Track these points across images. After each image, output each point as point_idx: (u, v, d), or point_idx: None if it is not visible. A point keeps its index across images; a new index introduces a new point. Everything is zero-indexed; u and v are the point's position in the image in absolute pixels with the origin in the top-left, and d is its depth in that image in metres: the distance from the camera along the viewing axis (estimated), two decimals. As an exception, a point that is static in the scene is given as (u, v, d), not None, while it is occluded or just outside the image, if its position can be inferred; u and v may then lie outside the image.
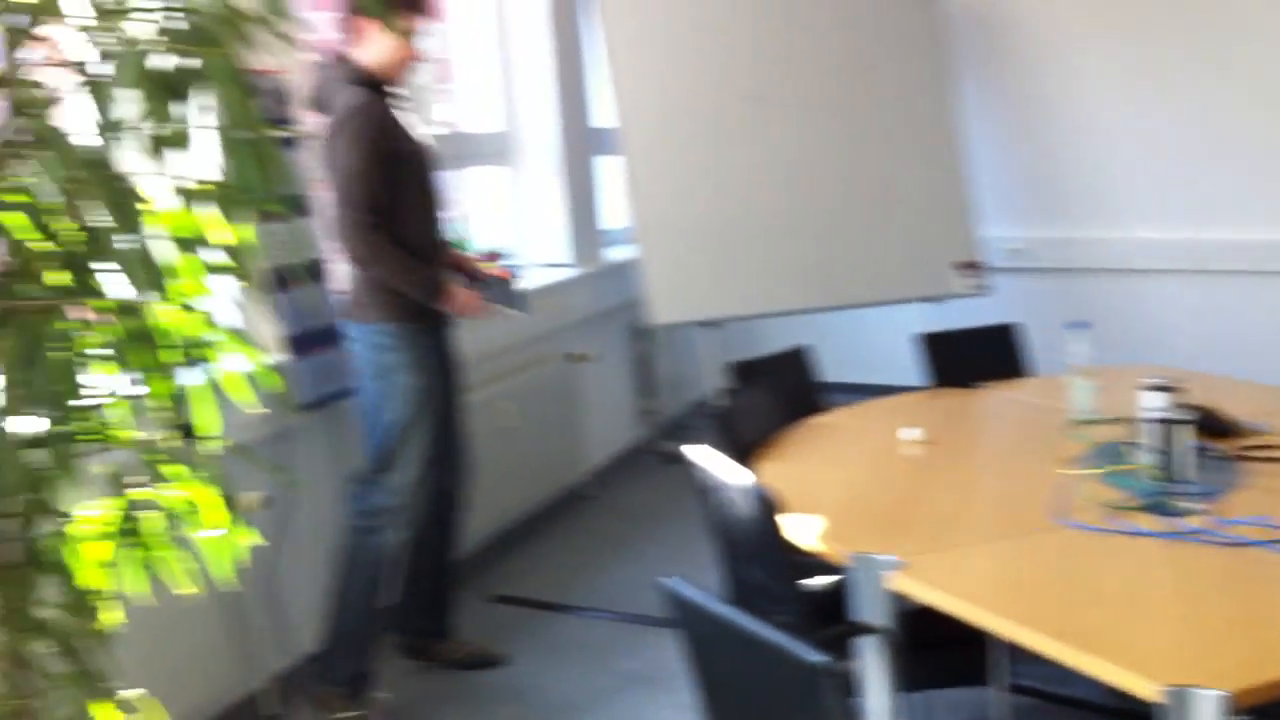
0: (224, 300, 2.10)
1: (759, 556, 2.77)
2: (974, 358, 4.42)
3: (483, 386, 4.65)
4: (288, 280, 3.69)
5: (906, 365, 4.48)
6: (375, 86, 3.56)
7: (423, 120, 4.61)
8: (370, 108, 3.52)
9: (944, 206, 6.17)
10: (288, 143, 3.71)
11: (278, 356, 3.67)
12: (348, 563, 3.66)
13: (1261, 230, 6.37)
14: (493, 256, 5.07)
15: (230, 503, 2.04)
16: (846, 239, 5.96)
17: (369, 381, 3.66)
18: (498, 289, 3.94)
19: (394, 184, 3.53)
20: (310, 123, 3.68)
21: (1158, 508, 2.78)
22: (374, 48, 3.57)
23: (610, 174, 5.91)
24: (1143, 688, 1.97)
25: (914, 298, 6.10)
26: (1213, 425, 3.36)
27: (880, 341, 6.67)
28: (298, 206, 3.75)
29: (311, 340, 3.77)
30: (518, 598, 4.47)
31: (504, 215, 5.66)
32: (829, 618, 2.61)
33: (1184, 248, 6.49)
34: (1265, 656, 2.04)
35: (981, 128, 6.60)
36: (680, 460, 3.05)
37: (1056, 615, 2.25)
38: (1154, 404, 3.19)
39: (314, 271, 3.81)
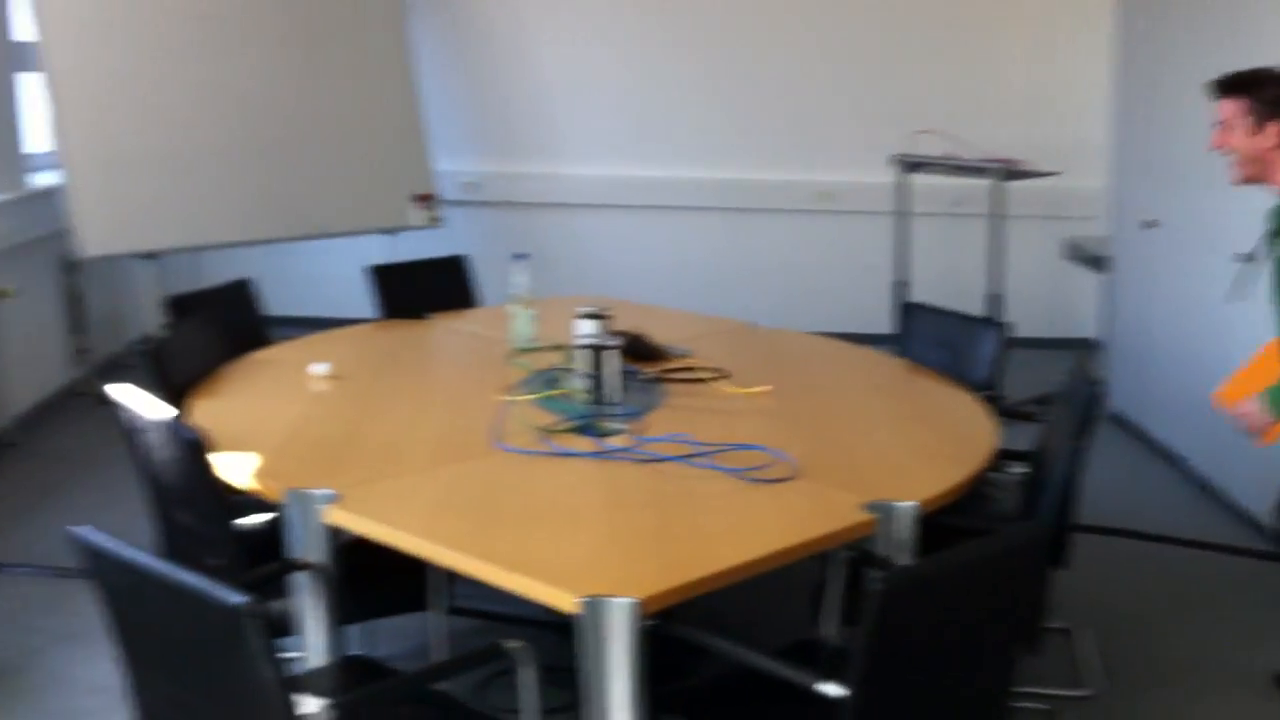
0: None
1: (187, 499, 2.63)
2: (425, 289, 4.46)
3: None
4: None
5: (360, 297, 4.43)
6: None
7: None
8: None
9: (400, 140, 6.16)
10: None
11: None
12: None
13: (688, 168, 6.86)
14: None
15: None
16: (300, 170, 5.80)
17: None
18: None
19: None
20: None
21: (587, 429, 2.91)
22: None
23: (34, 92, 5.39)
24: (562, 600, 2.06)
25: (370, 229, 6.06)
26: (640, 350, 3.57)
27: (334, 274, 6.57)
28: None
29: None
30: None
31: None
32: (267, 558, 2.52)
33: (620, 184, 6.87)
34: (672, 565, 2.19)
35: (436, 64, 6.63)
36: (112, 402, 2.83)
37: (485, 537, 2.29)
38: (586, 331, 3.34)
39: None
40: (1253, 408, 3.03)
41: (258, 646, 1.82)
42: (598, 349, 3.14)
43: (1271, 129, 3.02)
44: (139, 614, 2.02)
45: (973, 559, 2.09)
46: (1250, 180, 3.11)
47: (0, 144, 5.30)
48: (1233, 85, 3.10)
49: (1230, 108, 3.08)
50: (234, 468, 2.62)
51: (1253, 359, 3.32)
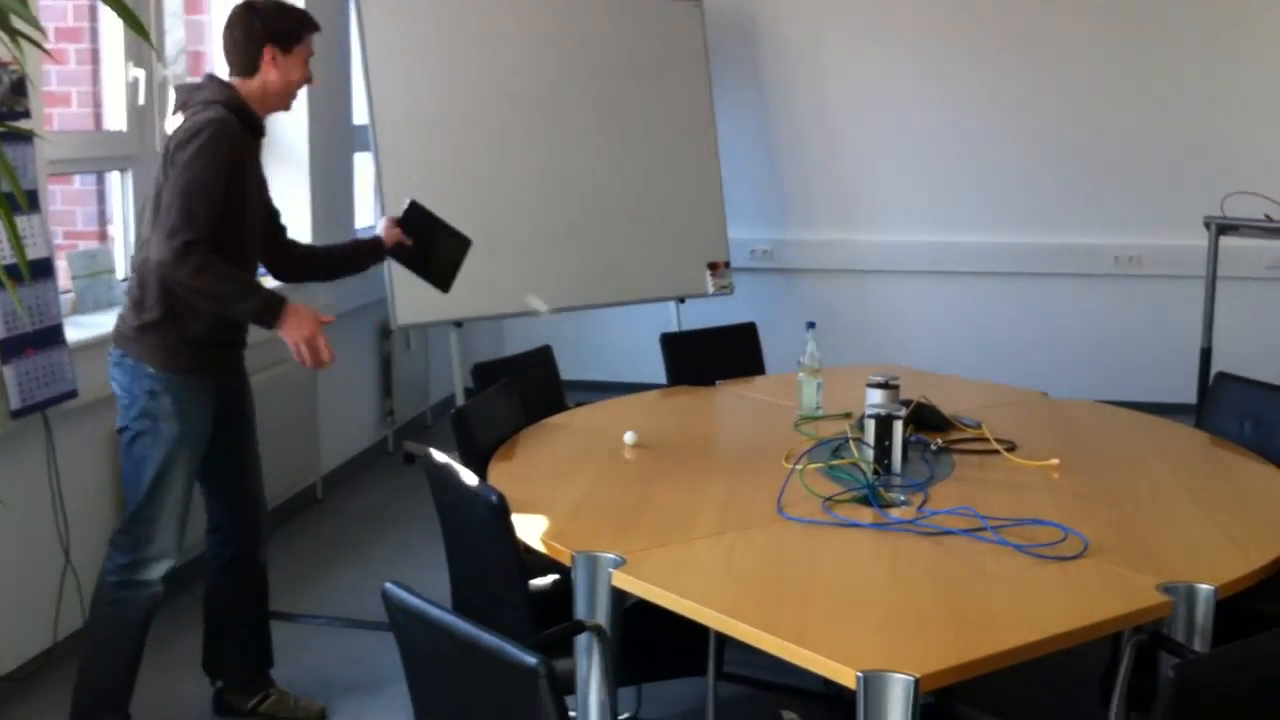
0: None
1: (485, 559, 2.78)
2: (715, 356, 4.55)
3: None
4: None
5: (651, 363, 4.57)
6: (239, 109, 3.24)
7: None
8: (227, 124, 3.17)
9: (699, 209, 6.32)
10: (12, 137, 3.52)
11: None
12: (90, 623, 3.39)
13: (983, 233, 6.76)
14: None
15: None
16: (604, 242, 6.03)
17: (127, 417, 3.27)
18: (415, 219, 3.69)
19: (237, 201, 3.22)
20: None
21: (871, 500, 2.91)
22: (271, 74, 3.29)
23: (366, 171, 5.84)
24: (841, 673, 2.07)
25: (665, 297, 6.23)
26: (927, 419, 3.55)
27: (626, 340, 6.78)
28: (18, 202, 3.55)
29: (24, 342, 3.58)
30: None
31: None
32: (555, 618, 2.63)
33: (913, 249, 6.83)
34: (954, 642, 2.17)
35: (733, 131, 6.77)
36: (416, 462, 3.03)
37: (767, 606, 2.33)
38: (874, 400, 3.35)
39: (37, 269, 3.63)
40: None
41: (549, 706, 1.91)
42: (884, 418, 3.15)
43: None
44: (436, 669, 2.14)
45: (1278, 649, 1.99)
46: None
47: (338, 218, 5.74)
48: None
49: None
50: (530, 530, 2.75)
51: None
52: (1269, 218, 5.42)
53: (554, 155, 5.91)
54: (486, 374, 3.83)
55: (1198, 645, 2.37)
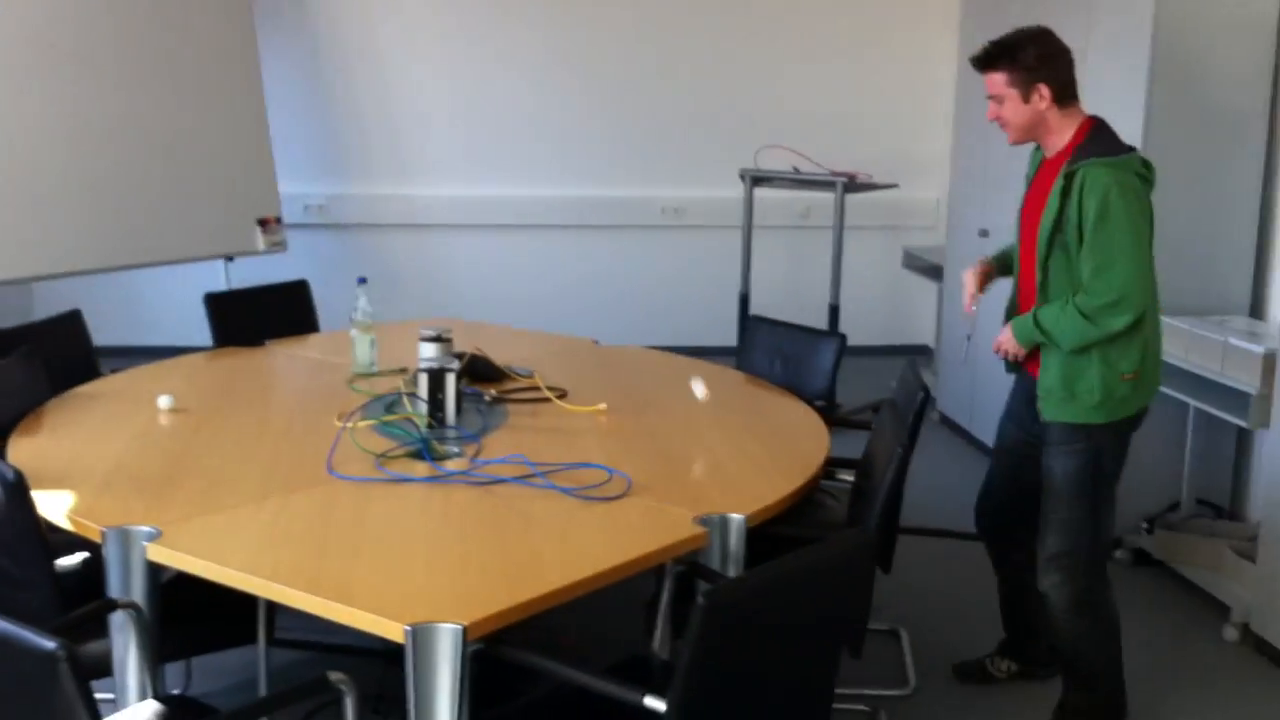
0: None
1: (3, 540, 2.55)
2: (265, 316, 4.38)
3: None
4: None
5: (198, 325, 4.34)
6: None
7: None
8: None
9: (246, 162, 6.04)
10: None
11: None
12: None
13: (533, 187, 6.88)
14: None
15: None
16: (140, 196, 5.64)
17: None
18: None
19: None
20: None
21: (423, 454, 2.89)
22: None
23: None
24: (389, 628, 2.04)
25: (212, 255, 5.93)
26: (481, 371, 3.57)
27: (171, 301, 6.45)
28: None
29: None
30: None
31: None
32: (85, 598, 2.45)
33: (467, 203, 6.87)
34: (501, 588, 2.19)
35: (282, 87, 6.52)
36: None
37: (313, 569, 2.26)
38: (427, 354, 3.33)
39: None
40: (1006, 336, 3.14)
41: (72, 691, 1.78)
42: (436, 371, 3.13)
43: (1042, 91, 2.96)
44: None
45: (797, 568, 2.13)
46: (1025, 141, 3.09)
47: None
48: (993, 57, 3.00)
49: (997, 80, 3.00)
50: (53, 506, 2.54)
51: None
52: (797, 170, 5.82)
53: (79, 101, 5.47)
54: (5, 342, 3.51)
55: (732, 571, 2.51)
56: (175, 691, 2.88)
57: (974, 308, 3.22)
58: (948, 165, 6.25)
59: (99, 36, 5.56)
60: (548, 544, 2.41)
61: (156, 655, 2.47)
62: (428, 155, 6.86)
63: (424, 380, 3.14)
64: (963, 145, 5.87)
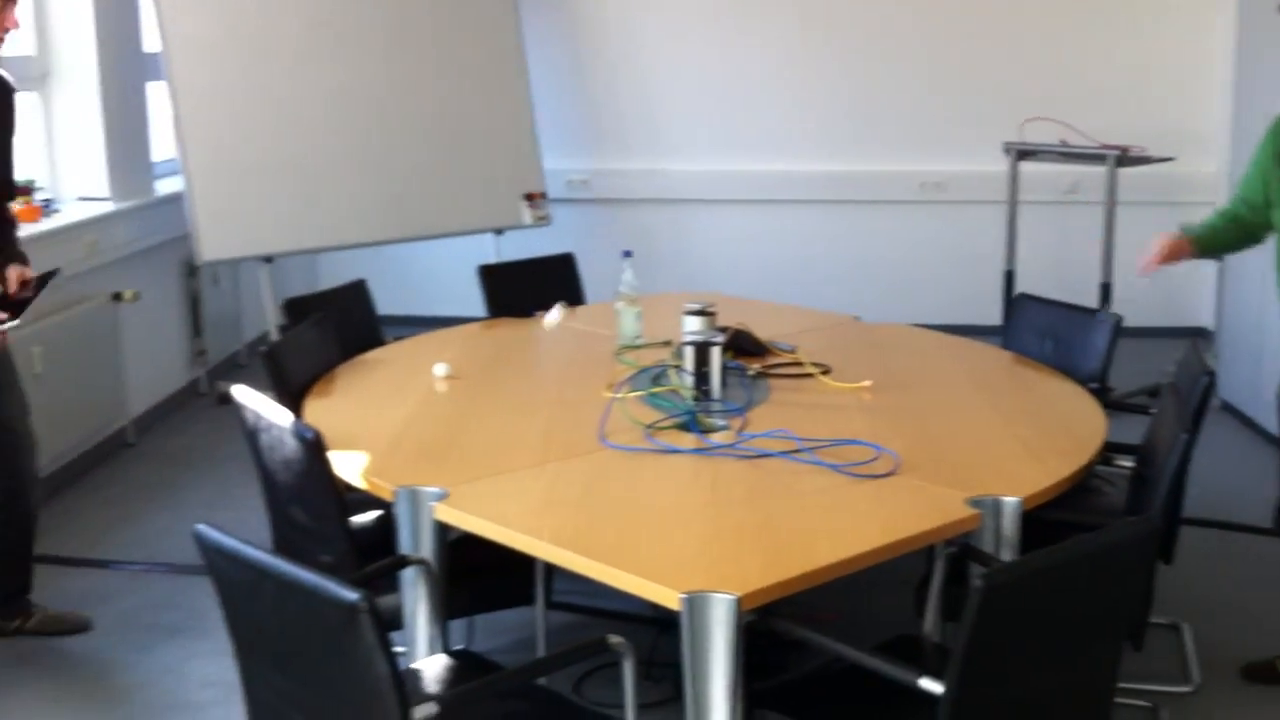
0: None
1: (303, 497, 2.72)
2: (534, 288, 4.51)
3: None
4: None
5: (469, 296, 4.52)
6: None
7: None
8: None
9: (511, 139, 6.24)
10: None
11: None
12: None
13: (790, 162, 6.85)
14: (24, 190, 4.68)
15: None
16: (413, 172, 5.91)
17: None
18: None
19: None
20: None
21: (690, 426, 2.94)
22: None
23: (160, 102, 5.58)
24: (665, 596, 2.09)
25: (481, 229, 6.15)
26: (744, 345, 3.59)
27: (444, 273, 6.71)
28: None
29: None
30: (48, 555, 4.15)
31: (34, 146, 5.20)
32: (377, 554, 2.60)
33: (725, 178, 6.89)
34: (773, 561, 2.21)
35: (544, 62, 6.69)
36: (230, 402, 2.93)
37: (590, 534, 2.34)
38: (691, 327, 3.37)
39: None
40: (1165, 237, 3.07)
41: (372, 641, 1.88)
42: (702, 345, 3.17)
43: None
44: (255, 609, 2.09)
45: (1077, 555, 2.07)
46: None
47: (131, 152, 5.48)
48: None
49: None
50: (347, 466, 2.70)
51: None
52: (1065, 143, 5.63)
53: (354, 83, 5.75)
54: (298, 309, 3.73)
55: (1005, 555, 2.46)
56: (458, 648, 3.01)
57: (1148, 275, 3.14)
58: (1229, 136, 5.93)
59: (367, 16, 5.82)
60: (817, 520, 2.42)
61: (444, 611, 2.60)
62: (683, 131, 6.92)
63: (689, 353, 3.18)
64: (1244, 114, 5.56)
